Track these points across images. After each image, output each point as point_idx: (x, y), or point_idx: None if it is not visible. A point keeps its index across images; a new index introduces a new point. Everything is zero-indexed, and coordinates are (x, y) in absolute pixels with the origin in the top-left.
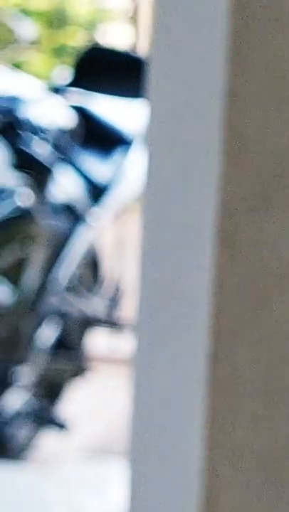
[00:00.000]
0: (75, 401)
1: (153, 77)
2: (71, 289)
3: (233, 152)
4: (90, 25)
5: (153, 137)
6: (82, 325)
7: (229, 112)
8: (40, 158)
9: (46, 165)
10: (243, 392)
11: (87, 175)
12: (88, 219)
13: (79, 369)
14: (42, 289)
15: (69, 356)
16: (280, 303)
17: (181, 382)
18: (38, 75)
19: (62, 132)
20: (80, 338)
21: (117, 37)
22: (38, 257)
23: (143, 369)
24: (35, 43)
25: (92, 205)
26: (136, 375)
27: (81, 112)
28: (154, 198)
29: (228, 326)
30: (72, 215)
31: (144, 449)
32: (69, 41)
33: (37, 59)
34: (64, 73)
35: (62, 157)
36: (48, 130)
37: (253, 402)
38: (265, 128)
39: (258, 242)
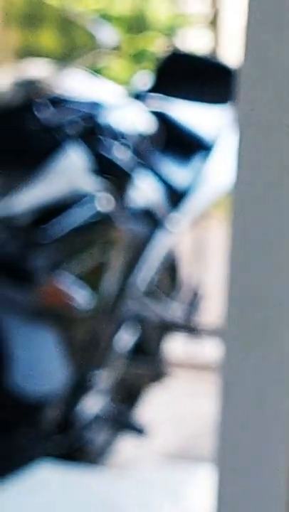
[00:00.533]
0: (154, 406)
1: (243, 86)
2: (150, 294)
3: None
4: (170, 31)
5: (244, 146)
6: (161, 330)
7: None
8: (121, 164)
9: (126, 170)
10: None
11: (167, 180)
12: (167, 224)
13: (157, 374)
14: (121, 293)
15: (147, 361)
16: None
17: (270, 386)
18: (118, 81)
19: (143, 138)
20: (159, 343)
21: (196, 42)
22: (117, 262)
23: (232, 373)
24: (115, 49)
25: (172, 210)
26: (225, 380)
27: (161, 117)
28: (244, 203)
29: None
30: (152, 220)
31: (232, 454)
32: (149, 46)
33: (117, 64)
34: (144, 79)
35: (142, 162)
36: (128, 135)
37: None
38: None
39: None
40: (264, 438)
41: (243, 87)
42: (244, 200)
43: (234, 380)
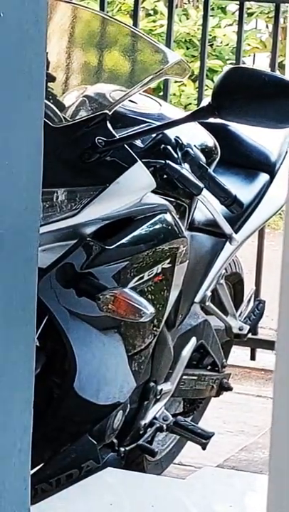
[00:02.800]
0: (218, 415)
1: None
2: (213, 305)
3: None
4: (237, 52)
5: None
6: (224, 340)
7: None
8: (186, 178)
9: (191, 184)
10: None
11: (231, 195)
12: (230, 238)
13: (220, 384)
14: (184, 306)
15: (211, 371)
16: None
17: None
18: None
19: (207, 152)
20: (221, 352)
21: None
22: (181, 274)
23: (284, 383)
24: (183, 71)
25: (234, 225)
26: (277, 390)
27: (226, 132)
28: None
29: None
30: (215, 233)
31: (285, 464)
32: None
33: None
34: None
35: (206, 176)
36: (193, 151)
37: None
38: None
39: None
40: None
41: None
42: None
43: (285, 391)
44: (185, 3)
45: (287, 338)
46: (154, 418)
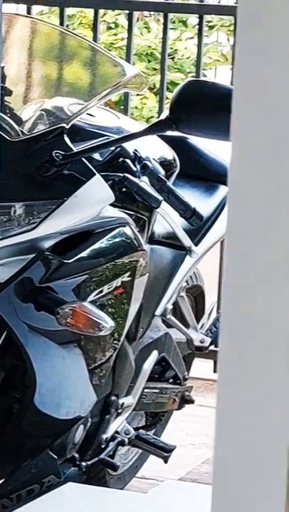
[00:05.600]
0: (180, 428)
1: (235, 118)
2: (175, 317)
3: None
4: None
5: (235, 179)
6: (185, 353)
7: None
8: (144, 190)
9: (150, 197)
10: None
11: (190, 207)
12: (190, 251)
13: (182, 396)
14: (145, 319)
15: (173, 384)
16: None
17: (263, 414)
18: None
19: (166, 165)
20: (183, 365)
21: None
22: (141, 288)
23: (226, 401)
24: (141, 84)
25: (194, 237)
26: (220, 407)
27: (185, 145)
28: (238, 237)
29: None
30: (175, 246)
31: (228, 479)
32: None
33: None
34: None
35: (166, 189)
36: (151, 162)
37: None
38: None
39: None
40: (258, 462)
41: (236, 117)
42: (237, 230)
43: (228, 406)
44: (146, 17)
45: (229, 351)
46: (116, 432)
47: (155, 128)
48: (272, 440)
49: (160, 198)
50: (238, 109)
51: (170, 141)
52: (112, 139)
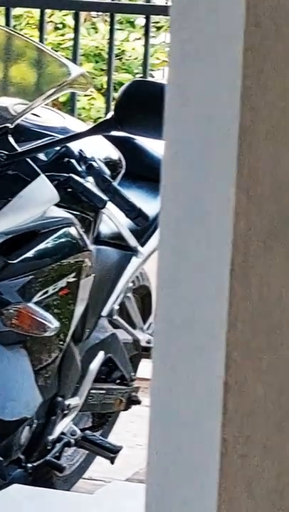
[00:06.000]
0: (128, 428)
1: (168, 116)
2: (121, 318)
3: (247, 189)
4: (143, 66)
5: (167, 175)
6: (132, 353)
7: (242, 149)
8: (89, 190)
9: (95, 197)
10: (253, 422)
11: (136, 208)
12: (136, 251)
13: (129, 397)
14: (91, 320)
15: (119, 384)
16: None
17: (196, 413)
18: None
19: (112, 165)
20: (130, 366)
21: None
22: (87, 288)
23: (159, 400)
24: (86, 84)
25: (140, 237)
26: (153, 405)
27: (131, 145)
28: (171, 235)
29: (240, 357)
30: (121, 247)
31: (161, 476)
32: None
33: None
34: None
35: (111, 190)
36: (97, 162)
37: (263, 431)
38: (277, 166)
39: (270, 275)
40: (189, 465)
41: (168, 115)
42: (170, 231)
43: (160, 408)
44: (94, 17)
45: (162, 353)
46: (62, 433)
47: (100, 128)
48: (204, 438)
49: (105, 198)
50: (170, 108)
51: (116, 142)
52: (57, 138)
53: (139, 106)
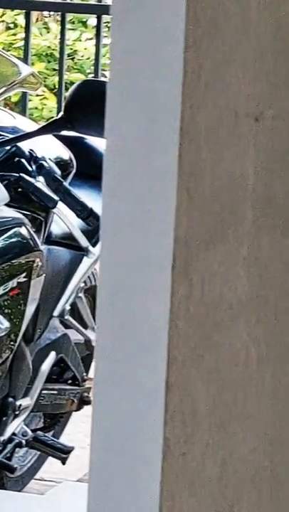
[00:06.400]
0: (80, 429)
1: (110, 113)
2: (73, 318)
3: (188, 188)
4: (95, 66)
5: (109, 172)
6: (84, 354)
7: (184, 147)
8: (40, 190)
9: (46, 197)
10: (195, 420)
11: (86, 207)
12: (87, 251)
13: (81, 398)
14: (42, 320)
15: (71, 385)
16: (232, 331)
17: (138, 411)
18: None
19: (62, 165)
20: (82, 366)
21: None
22: (38, 288)
23: (102, 398)
24: (36, 83)
25: (91, 237)
26: (96, 404)
27: (82, 145)
28: (113, 231)
29: (182, 356)
30: (72, 247)
31: (104, 475)
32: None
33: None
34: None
35: (62, 189)
36: (47, 162)
37: (205, 430)
38: (218, 163)
39: (212, 273)
40: (131, 465)
41: (109, 113)
42: (112, 228)
43: (103, 407)
44: (46, 17)
45: (104, 352)
46: (13, 434)
47: (50, 127)
48: (146, 437)
49: (56, 198)
50: (111, 106)
51: (67, 141)
52: (7, 138)
53: (89, 105)
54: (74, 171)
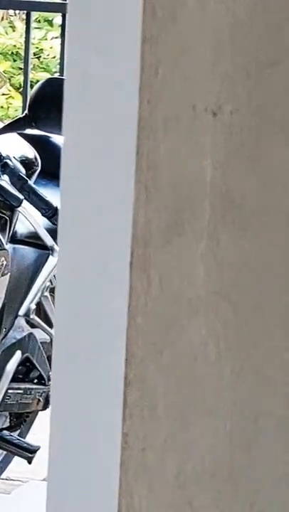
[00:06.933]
0: (47, 428)
1: (67, 109)
2: (39, 317)
3: (146, 183)
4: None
5: (67, 169)
6: (50, 353)
7: (142, 143)
8: (4, 189)
9: (10, 196)
10: (154, 416)
11: (52, 206)
12: (53, 250)
13: (47, 397)
14: (8, 318)
15: (37, 384)
16: (191, 327)
17: (97, 407)
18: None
19: (27, 163)
20: (48, 365)
21: None
22: (3, 287)
23: (61, 395)
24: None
25: (56, 236)
26: (54, 400)
27: (47, 144)
28: (71, 227)
29: (140, 352)
30: (38, 246)
31: (62, 472)
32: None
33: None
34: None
35: (27, 188)
36: (12, 161)
37: (164, 426)
38: (176, 158)
39: (170, 269)
40: (90, 459)
41: (67, 110)
42: (70, 223)
43: (61, 403)
44: (11, 15)
45: (63, 349)
46: None
47: (14, 126)
48: (105, 433)
49: (21, 196)
50: (68, 101)
51: (32, 140)
52: None
53: (53, 104)
54: (39, 169)
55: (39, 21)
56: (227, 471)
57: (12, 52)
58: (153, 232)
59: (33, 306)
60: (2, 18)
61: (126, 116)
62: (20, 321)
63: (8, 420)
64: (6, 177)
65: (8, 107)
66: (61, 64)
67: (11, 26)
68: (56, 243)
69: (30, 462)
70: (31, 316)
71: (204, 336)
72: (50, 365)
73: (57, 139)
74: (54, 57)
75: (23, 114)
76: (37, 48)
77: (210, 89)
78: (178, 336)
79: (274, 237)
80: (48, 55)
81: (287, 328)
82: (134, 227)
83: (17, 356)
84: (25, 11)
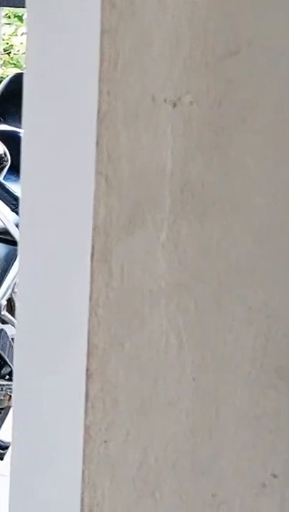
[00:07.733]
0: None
1: (27, 101)
2: (9, 313)
3: (106, 174)
4: None
5: (27, 161)
6: None
7: (102, 134)
8: None
9: None
10: (116, 408)
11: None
12: None
13: None
14: None
15: (8, 380)
16: (152, 318)
17: (59, 400)
18: None
19: None
20: None
21: None
22: None
23: (23, 387)
24: None
25: None
26: (16, 393)
27: (17, 139)
28: (31, 220)
29: (102, 344)
30: (8, 241)
31: (25, 465)
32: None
33: None
34: None
35: None
36: None
37: (126, 417)
38: (136, 149)
39: (131, 260)
40: (52, 451)
41: (26, 103)
42: (30, 216)
43: (23, 396)
44: None
45: (24, 341)
46: None
47: None
48: (67, 425)
49: None
50: (28, 94)
51: (0, 135)
52: None
53: (21, 99)
54: (8, 164)
55: (9, 17)
56: (189, 462)
57: None
58: (114, 224)
59: (4, 302)
60: None
61: (86, 107)
62: None
63: None
64: None
65: None
66: None
67: None
68: None
69: (2, 459)
70: (2, 312)
71: (165, 327)
72: None
73: None
74: (24, 53)
75: None
76: (7, 43)
77: (169, 80)
78: (139, 328)
79: (234, 228)
80: (18, 50)
81: (247, 318)
82: (95, 218)
83: None
84: None
